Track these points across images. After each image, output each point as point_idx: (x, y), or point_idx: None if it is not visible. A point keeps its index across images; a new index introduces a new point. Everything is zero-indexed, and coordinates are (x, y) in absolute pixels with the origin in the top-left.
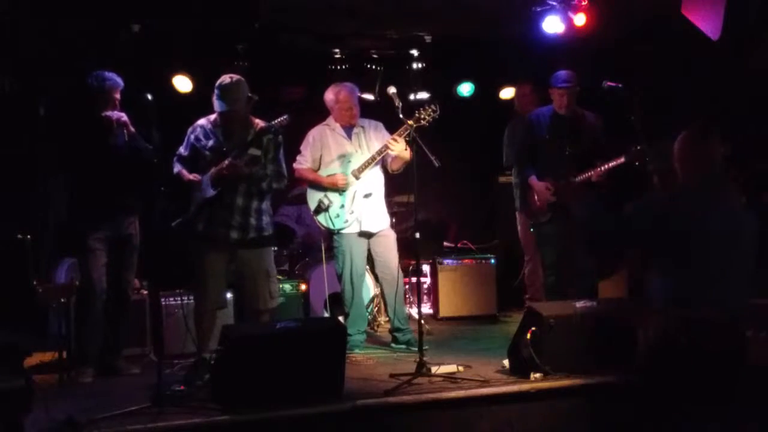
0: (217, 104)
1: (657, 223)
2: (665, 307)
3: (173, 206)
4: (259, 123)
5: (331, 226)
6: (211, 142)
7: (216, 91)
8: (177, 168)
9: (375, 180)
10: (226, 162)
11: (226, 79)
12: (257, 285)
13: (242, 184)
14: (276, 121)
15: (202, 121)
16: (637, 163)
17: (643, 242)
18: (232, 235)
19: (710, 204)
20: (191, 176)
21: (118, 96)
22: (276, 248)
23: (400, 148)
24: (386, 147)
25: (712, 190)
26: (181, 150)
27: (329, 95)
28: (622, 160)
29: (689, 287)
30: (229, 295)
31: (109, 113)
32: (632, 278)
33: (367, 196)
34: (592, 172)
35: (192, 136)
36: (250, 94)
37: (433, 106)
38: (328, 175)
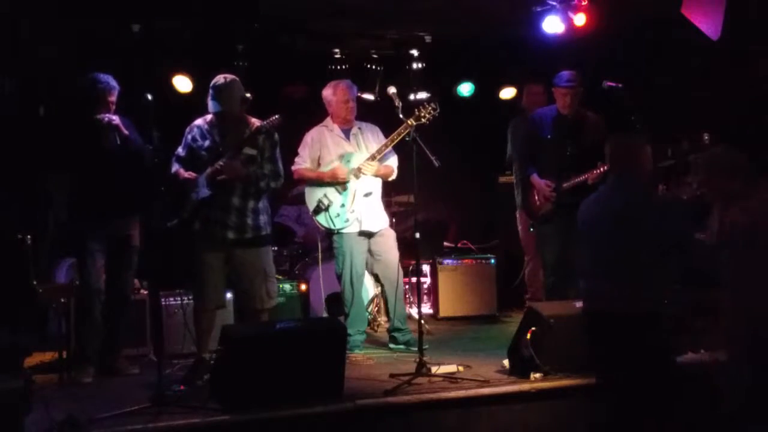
0: (211, 104)
1: (580, 221)
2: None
3: (172, 206)
4: (255, 122)
5: (332, 226)
6: (207, 143)
7: (210, 91)
8: (175, 167)
9: (374, 179)
10: (222, 162)
11: (220, 79)
12: (254, 285)
13: (238, 184)
14: (267, 122)
15: (198, 122)
16: None
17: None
18: (228, 235)
19: (608, 202)
20: (186, 174)
21: (112, 99)
22: (276, 248)
23: (372, 171)
24: (359, 170)
25: (617, 189)
26: (179, 150)
27: (327, 90)
28: None
29: (589, 280)
30: (228, 295)
31: (100, 116)
32: None
33: (367, 195)
34: (587, 176)
35: (189, 137)
36: (245, 94)
37: (432, 105)
38: (328, 169)
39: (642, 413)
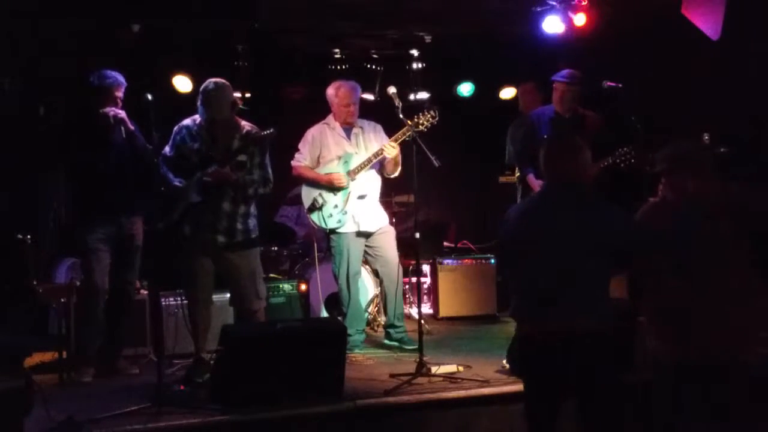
0: (200, 109)
1: (506, 232)
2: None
3: (162, 208)
4: (245, 126)
5: (324, 226)
6: (196, 145)
7: (200, 96)
8: (164, 170)
9: (370, 182)
10: (212, 170)
11: (210, 84)
12: (243, 286)
13: (229, 190)
14: (263, 133)
15: (187, 122)
16: (622, 165)
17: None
18: (218, 239)
19: (539, 211)
20: (176, 182)
21: (119, 94)
22: (276, 248)
23: (394, 153)
24: (382, 151)
25: (551, 196)
26: (167, 150)
27: (330, 90)
28: (609, 161)
29: (520, 294)
30: (228, 295)
31: (106, 110)
32: (632, 280)
33: (361, 197)
34: None
35: (177, 138)
36: (235, 99)
37: (432, 112)
38: (326, 174)
39: None
